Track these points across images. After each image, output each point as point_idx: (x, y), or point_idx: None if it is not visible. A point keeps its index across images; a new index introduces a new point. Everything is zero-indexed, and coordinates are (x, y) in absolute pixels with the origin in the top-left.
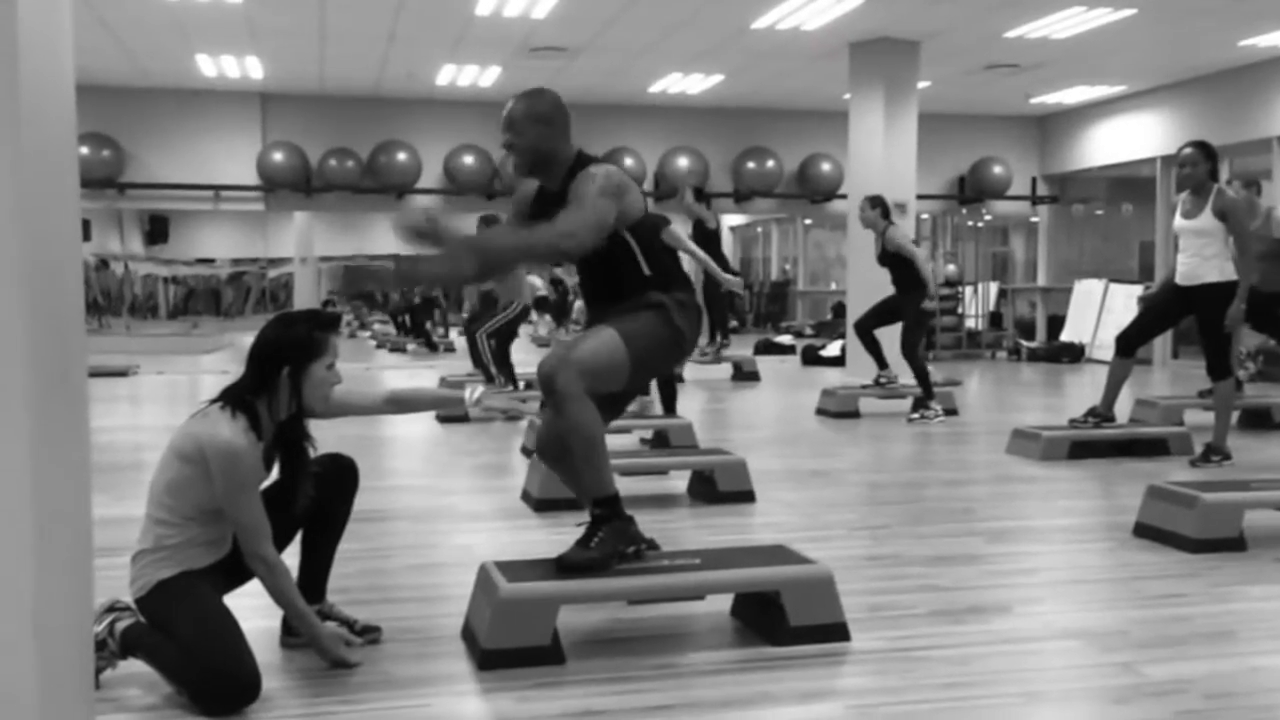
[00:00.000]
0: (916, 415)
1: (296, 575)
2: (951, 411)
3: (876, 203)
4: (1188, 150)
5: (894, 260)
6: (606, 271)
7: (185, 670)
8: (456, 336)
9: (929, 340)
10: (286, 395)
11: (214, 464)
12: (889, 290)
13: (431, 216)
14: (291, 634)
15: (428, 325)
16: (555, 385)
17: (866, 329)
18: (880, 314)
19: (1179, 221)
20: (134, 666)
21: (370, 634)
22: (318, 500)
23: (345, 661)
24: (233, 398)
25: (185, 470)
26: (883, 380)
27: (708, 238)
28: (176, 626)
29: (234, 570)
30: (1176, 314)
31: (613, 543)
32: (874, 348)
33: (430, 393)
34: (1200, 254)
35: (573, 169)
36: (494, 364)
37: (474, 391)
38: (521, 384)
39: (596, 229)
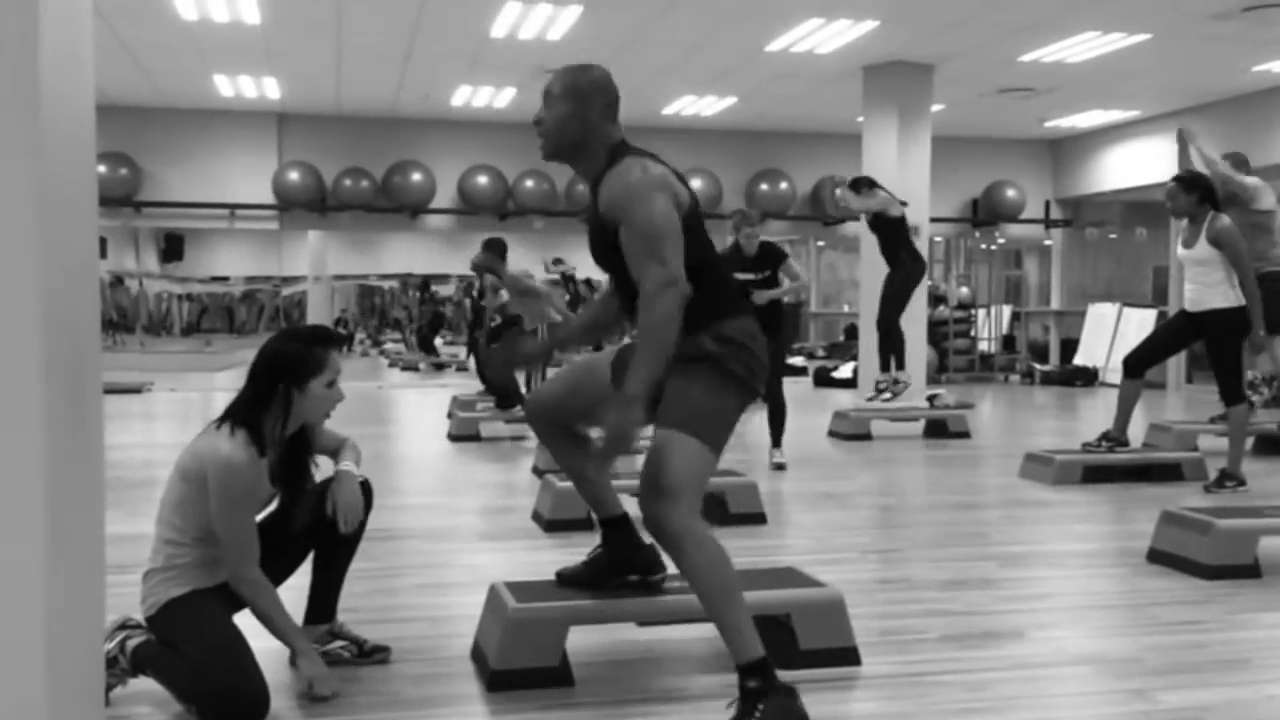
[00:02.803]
0: (883, 383)
1: (308, 593)
2: (963, 434)
3: (858, 183)
4: (1170, 184)
5: (882, 224)
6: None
7: (195, 688)
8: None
9: (942, 363)
10: (288, 411)
11: (211, 480)
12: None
13: (616, 435)
14: None
15: (436, 341)
16: (668, 530)
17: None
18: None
19: (1180, 251)
20: (144, 684)
21: (379, 654)
22: (332, 520)
23: (316, 692)
24: (234, 414)
25: (189, 490)
26: (881, 386)
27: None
28: (186, 644)
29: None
30: (1185, 339)
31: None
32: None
33: (279, 624)
34: (1202, 281)
35: (608, 165)
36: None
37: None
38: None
39: (664, 239)
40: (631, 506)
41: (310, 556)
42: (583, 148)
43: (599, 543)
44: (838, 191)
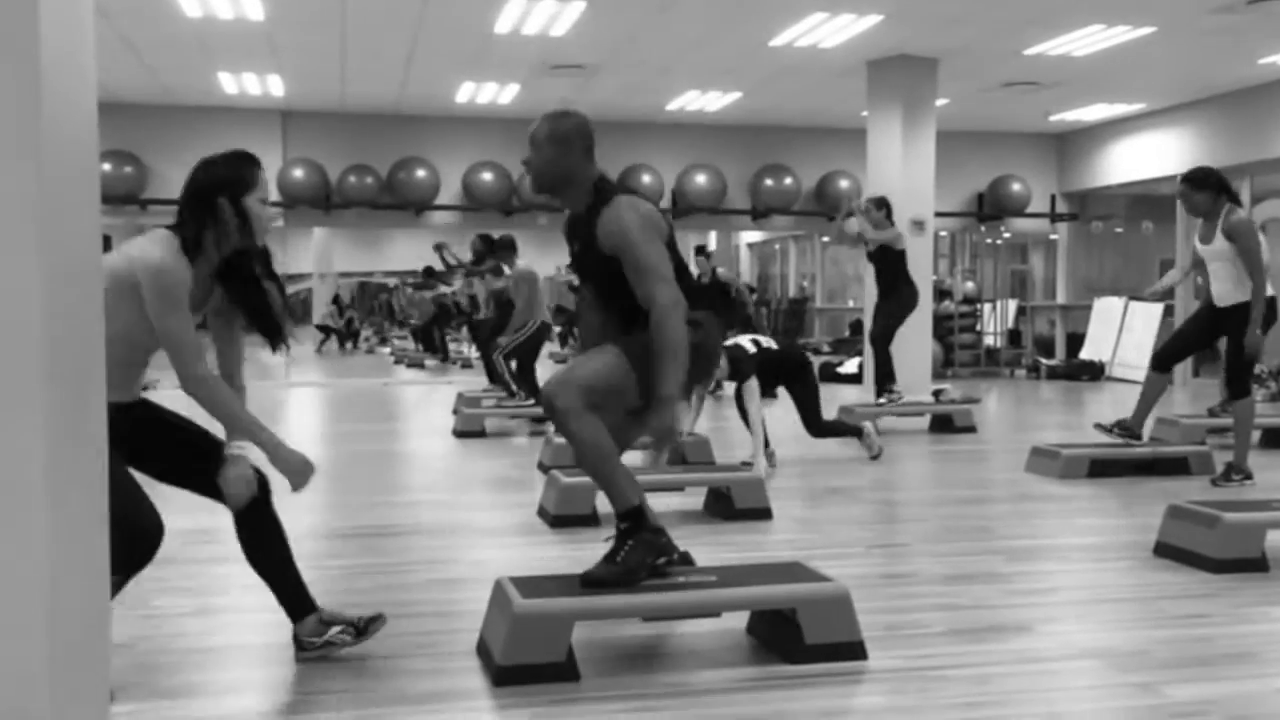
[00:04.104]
0: (884, 399)
1: (276, 599)
2: (969, 429)
3: (882, 204)
4: (1180, 186)
5: (887, 255)
6: (618, 300)
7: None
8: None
9: (948, 358)
10: (230, 227)
11: (145, 286)
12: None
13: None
14: (304, 649)
15: (439, 337)
16: (555, 404)
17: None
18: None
19: (1198, 246)
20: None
21: (375, 624)
22: (239, 520)
23: (294, 487)
24: (171, 228)
25: (109, 291)
26: (890, 395)
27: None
28: None
29: (136, 454)
30: (1213, 334)
31: (640, 555)
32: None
33: (242, 420)
34: (1222, 275)
35: (596, 199)
36: (515, 382)
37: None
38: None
39: (661, 271)
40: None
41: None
42: (569, 184)
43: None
44: (860, 203)
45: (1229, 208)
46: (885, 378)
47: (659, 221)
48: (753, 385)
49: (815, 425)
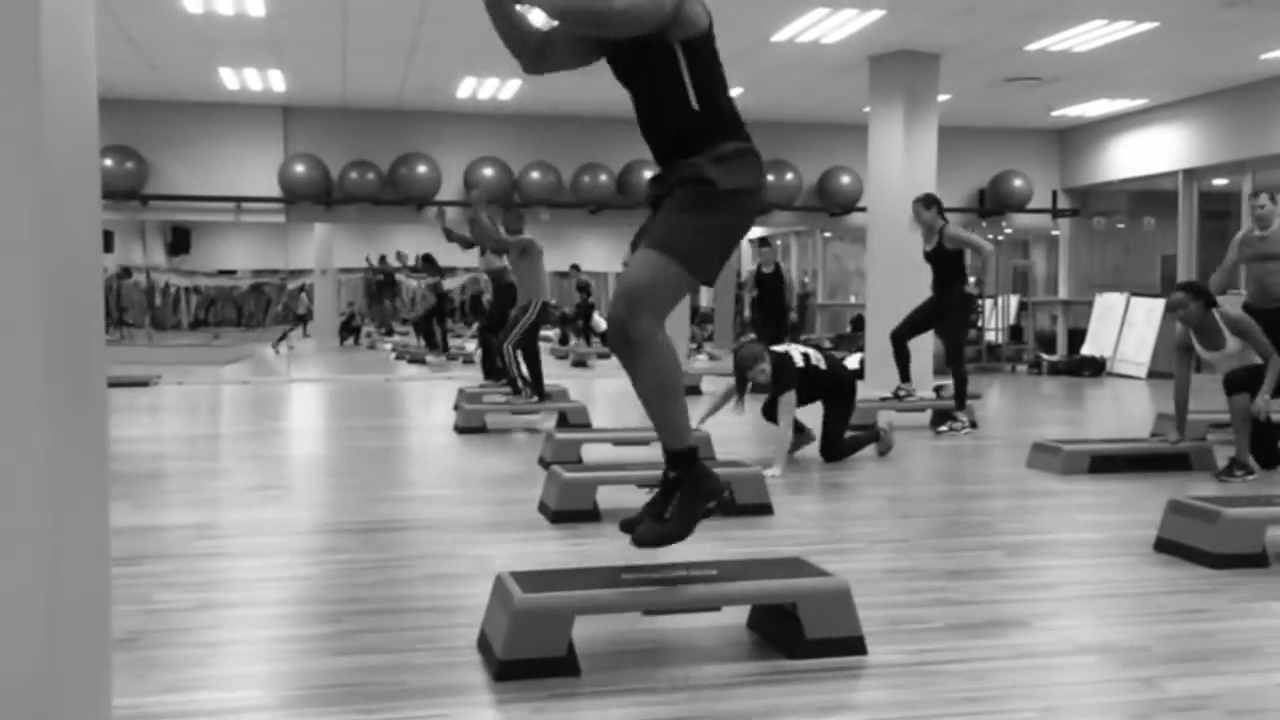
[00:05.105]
0: (945, 427)
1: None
2: (972, 424)
3: (931, 201)
4: (1175, 295)
5: (944, 257)
6: (651, 92)
7: None
8: (471, 345)
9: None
10: None
11: None
12: (911, 300)
13: None
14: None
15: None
16: (631, 336)
17: (903, 339)
18: (916, 324)
19: (1203, 354)
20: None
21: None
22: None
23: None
24: None
25: None
26: (901, 393)
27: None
28: None
29: None
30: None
31: (690, 506)
32: (904, 359)
33: None
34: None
35: None
36: (524, 380)
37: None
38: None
39: (644, 4)
40: (638, 498)
41: None
42: None
43: (660, 479)
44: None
45: (1219, 314)
46: (960, 401)
47: None
48: (790, 398)
49: (835, 450)
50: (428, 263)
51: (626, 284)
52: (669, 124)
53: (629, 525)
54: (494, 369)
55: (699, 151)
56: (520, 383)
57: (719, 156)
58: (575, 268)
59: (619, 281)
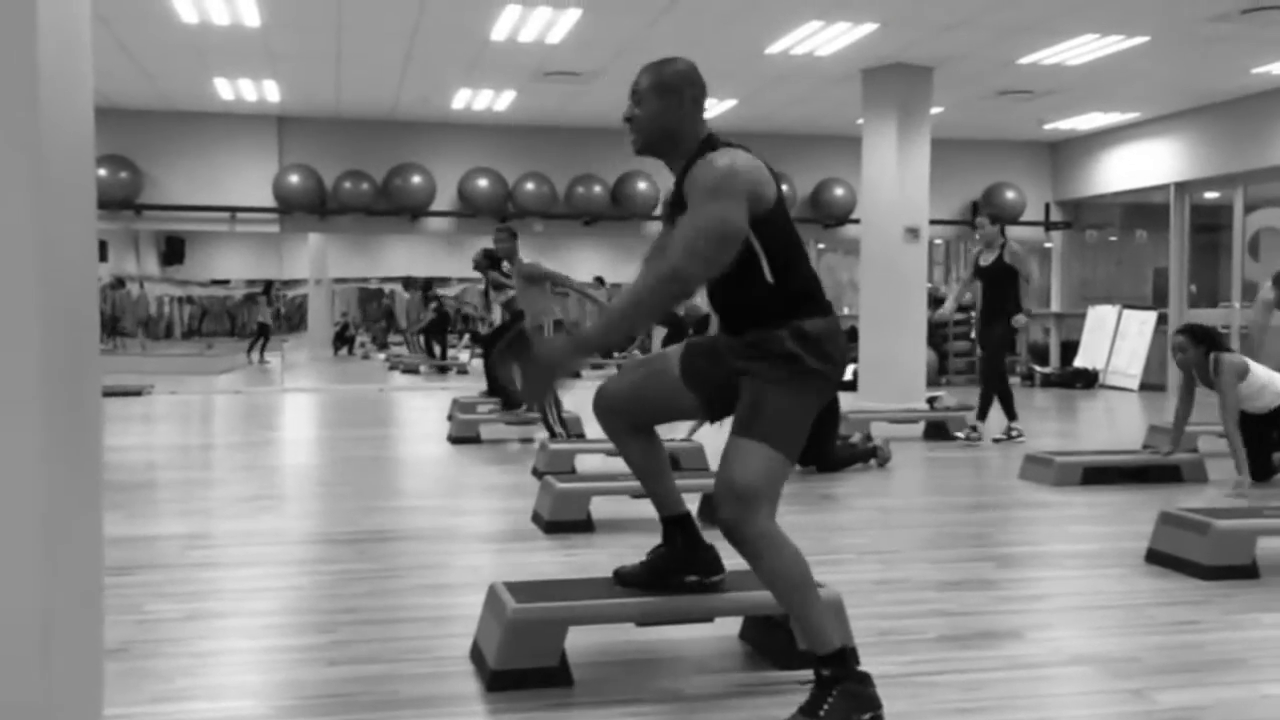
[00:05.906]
0: (1003, 435)
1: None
2: (1014, 435)
3: (998, 217)
4: (1177, 338)
5: (1003, 273)
6: (725, 275)
7: None
8: (469, 357)
9: (942, 365)
10: None
11: None
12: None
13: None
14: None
15: (437, 346)
16: (745, 535)
17: (997, 374)
18: (995, 353)
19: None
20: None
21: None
22: None
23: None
24: None
25: None
26: (1014, 434)
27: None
28: None
29: None
30: None
31: (844, 711)
32: (1007, 398)
33: None
34: None
35: (696, 156)
36: (558, 416)
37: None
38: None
39: (717, 246)
40: (631, 509)
41: None
42: (676, 140)
43: (660, 542)
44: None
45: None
46: (1010, 413)
47: (757, 182)
48: None
49: (826, 459)
50: (428, 288)
51: (736, 484)
52: (740, 299)
53: None
54: (498, 387)
55: (774, 325)
56: (549, 422)
57: (799, 334)
58: (599, 280)
59: (722, 475)
